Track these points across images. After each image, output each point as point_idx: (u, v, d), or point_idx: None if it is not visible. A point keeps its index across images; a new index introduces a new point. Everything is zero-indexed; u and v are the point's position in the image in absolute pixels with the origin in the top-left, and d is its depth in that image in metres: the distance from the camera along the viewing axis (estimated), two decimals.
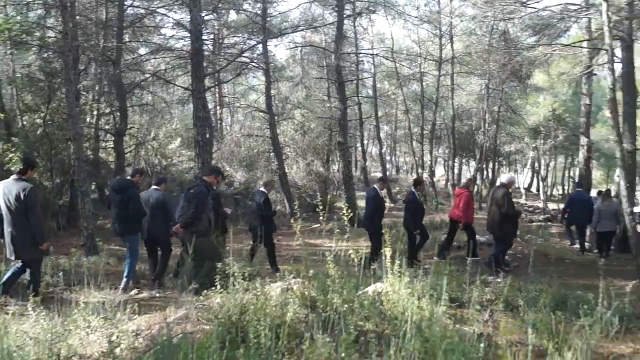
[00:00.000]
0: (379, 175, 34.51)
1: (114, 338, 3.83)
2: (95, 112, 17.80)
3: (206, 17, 18.29)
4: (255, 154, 24.77)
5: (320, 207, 5.38)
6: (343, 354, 3.40)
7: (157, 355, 3.71)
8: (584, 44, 16.82)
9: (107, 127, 19.05)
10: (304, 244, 12.42)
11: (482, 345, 3.72)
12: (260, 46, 22.16)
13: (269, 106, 22.35)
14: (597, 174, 42.25)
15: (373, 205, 10.74)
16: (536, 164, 40.47)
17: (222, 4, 19.09)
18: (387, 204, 14.83)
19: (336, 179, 24.99)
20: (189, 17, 15.76)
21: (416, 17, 27.16)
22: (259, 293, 4.48)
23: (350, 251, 5.08)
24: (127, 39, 19.02)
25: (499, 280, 7.34)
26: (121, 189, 8.26)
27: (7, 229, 6.54)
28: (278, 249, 11.62)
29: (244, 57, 21.07)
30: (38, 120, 15.11)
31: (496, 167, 36.10)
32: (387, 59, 29.65)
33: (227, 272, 4.71)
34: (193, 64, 15.51)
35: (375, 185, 11.41)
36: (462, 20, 26.64)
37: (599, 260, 6.92)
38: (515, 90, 30.08)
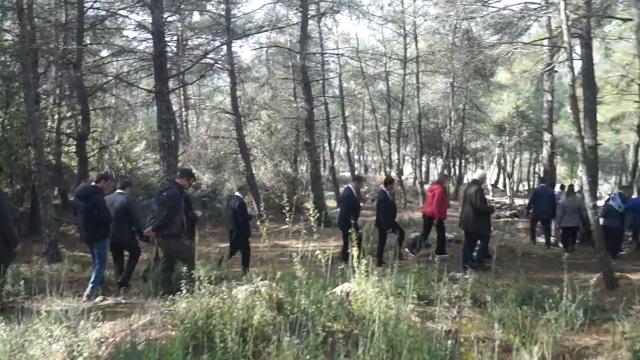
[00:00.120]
0: (348, 174, 34.70)
1: (75, 347, 3.72)
2: (56, 116, 17.42)
3: (169, 19, 18.10)
4: (222, 155, 24.56)
5: (287, 208, 5.32)
6: (308, 356, 3.36)
7: None
8: (545, 42, 17.11)
9: (69, 131, 18.64)
10: (272, 245, 12.35)
11: (449, 342, 3.72)
12: (224, 47, 22.03)
13: (235, 107, 22.22)
14: (561, 169, 43.07)
15: (347, 205, 10.72)
16: (502, 161, 41.09)
17: (184, 5, 18.87)
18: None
19: (304, 179, 24.95)
20: (151, 18, 15.54)
21: (380, 16, 27.23)
22: (225, 296, 4.42)
23: (317, 252, 5.04)
24: (87, 42, 18.68)
25: (467, 276, 7.39)
26: (86, 196, 8.12)
27: None
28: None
29: (208, 58, 20.92)
30: None
31: (463, 164, 36.55)
32: (352, 59, 29.78)
33: (193, 276, 4.64)
34: (156, 65, 15.27)
35: (349, 185, 11.39)
36: (425, 20, 26.87)
37: (564, 254, 7.01)
38: (480, 88, 30.51)
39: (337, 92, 32.87)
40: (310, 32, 24.15)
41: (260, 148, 25.57)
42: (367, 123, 40.70)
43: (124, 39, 21.46)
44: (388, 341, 3.68)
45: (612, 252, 11.00)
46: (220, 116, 27.02)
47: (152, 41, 16.04)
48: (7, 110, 14.40)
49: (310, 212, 5.23)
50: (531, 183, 45.04)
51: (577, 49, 14.89)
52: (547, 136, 19.77)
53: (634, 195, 14.90)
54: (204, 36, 24.30)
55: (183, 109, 29.87)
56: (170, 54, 19.22)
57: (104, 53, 21.32)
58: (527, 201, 18.82)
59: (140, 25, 18.65)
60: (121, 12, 18.67)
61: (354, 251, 4.92)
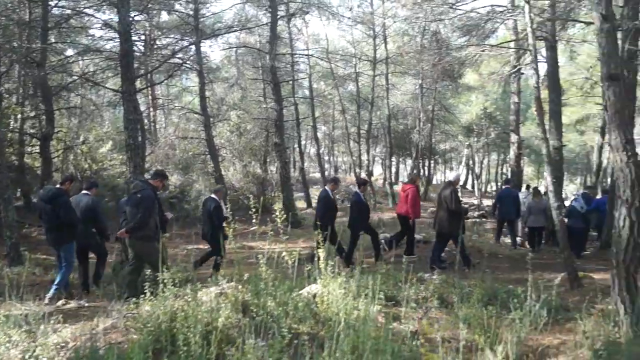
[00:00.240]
0: (318, 175, 34.70)
1: (32, 352, 3.61)
2: (19, 116, 17.05)
3: (136, 18, 17.82)
4: (190, 156, 24.33)
5: (254, 210, 5.27)
6: (271, 359, 3.32)
7: None
8: (511, 44, 17.34)
9: (32, 131, 18.26)
10: (240, 247, 12.26)
11: (415, 342, 3.72)
12: (193, 47, 21.86)
13: (204, 108, 22.06)
14: (528, 170, 43.73)
15: (324, 206, 10.70)
16: (470, 162, 41.51)
17: (152, 5, 18.60)
18: None
19: (274, 180, 24.84)
20: (118, 17, 15.30)
21: (350, 18, 27.30)
22: (189, 299, 4.36)
23: (284, 253, 5.01)
24: (52, 40, 18.28)
25: (434, 277, 7.43)
26: (51, 198, 7.96)
27: None
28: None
29: (177, 58, 20.68)
30: None
31: (432, 165, 36.84)
32: (322, 60, 29.76)
33: (157, 278, 4.56)
34: (123, 65, 15.01)
35: (326, 187, 11.39)
36: (395, 21, 26.96)
37: (529, 254, 7.12)
38: (448, 89, 30.78)
39: (307, 92, 32.82)
40: (280, 33, 24.09)
41: (229, 149, 25.39)
42: (337, 124, 40.72)
43: (90, 38, 21.07)
44: (353, 343, 3.66)
45: (576, 252, 11.19)
46: (188, 116, 26.76)
47: (118, 40, 15.78)
48: None
49: (277, 213, 5.20)
50: (499, 184, 45.61)
51: (543, 52, 15.14)
52: (514, 137, 20.04)
53: (599, 196, 15.15)
54: (172, 36, 23.98)
55: (151, 109, 29.49)
56: (137, 54, 18.96)
57: (70, 52, 20.92)
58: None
59: (106, 24, 18.30)
60: (87, 10, 18.26)
61: (320, 253, 4.90)
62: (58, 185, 8.49)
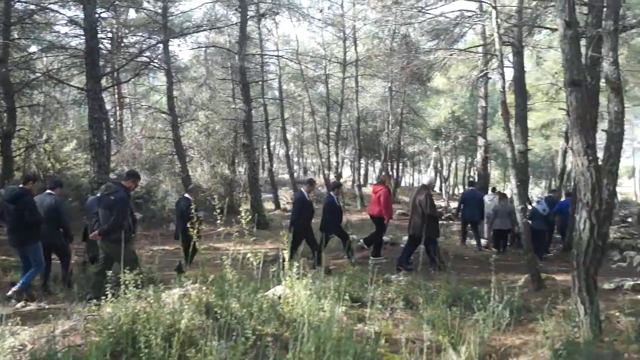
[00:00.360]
0: (287, 177, 34.55)
1: None
2: None
3: (103, 15, 17.52)
4: (157, 156, 24.02)
5: (219, 211, 5.22)
6: None
7: None
8: (479, 49, 17.58)
9: None
10: (207, 247, 12.15)
11: (379, 343, 3.71)
12: (161, 46, 21.57)
13: (171, 107, 21.83)
14: (495, 173, 44.30)
15: (299, 208, 10.67)
16: (438, 165, 41.88)
17: (119, 2, 18.35)
18: None
19: (242, 181, 24.69)
20: (83, 14, 15.04)
21: (320, 19, 27.28)
22: (152, 300, 4.28)
23: (249, 255, 4.96)
24: (15, 36, 17.83)
25: (400, 278, 7.46)
26: (15, 198, 7.83)
27: None
28: (177, 254, 11.27)
29: (144, 56, 20.41)
30: None
31: (400, 167, 37.06)
32: (292, 61, 29.66)
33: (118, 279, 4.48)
34: (88, 63, 14.80)
35: (302, 188, 11.43)
36: (365, 24, 27.00)
37: (493, 256, 7.23)
38: (417, 92, 30.94)
39: (276, 93, 32.70)
40: (250, 33, 23.96)
41: (197, 149, 25.19)
42: (306, 125, 40.69)
43: (55, 34, 20.63)
44: (316, 344, 3.64)
45: (539, 253, 11.40)
46: (156, 116, 26.40)
47: (84, 37, 15.53)
48: None
49: (243, 214, 5.15)
50: (466, 187, 46.07)
51: (510, 57, 15.37)
52: (481, 141, 20.31)
53: (562, 199, 15.46)
54: (139, 34, 23.62)
55: (117, 108, 29.03)
56: (103, 51, 18.63)
57: (33, 48, 20.45)
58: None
59: (72, 21, 17.99)
60: (52, 6, 17.93)
61: (284, 254, 4.88)
62: (21, 185, 8.34)
